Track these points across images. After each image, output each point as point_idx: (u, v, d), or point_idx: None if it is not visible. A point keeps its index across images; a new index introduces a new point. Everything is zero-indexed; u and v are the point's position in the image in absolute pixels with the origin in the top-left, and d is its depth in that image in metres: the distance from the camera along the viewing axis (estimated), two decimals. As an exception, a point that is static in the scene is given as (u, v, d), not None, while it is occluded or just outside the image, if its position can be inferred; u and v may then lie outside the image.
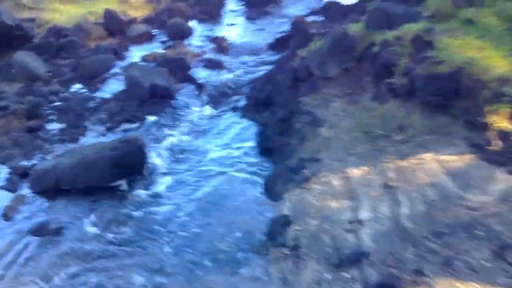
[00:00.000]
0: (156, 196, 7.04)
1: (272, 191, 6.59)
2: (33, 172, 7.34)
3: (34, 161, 7.98)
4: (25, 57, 10.88)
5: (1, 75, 10.78)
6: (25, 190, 7.28)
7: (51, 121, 9.31)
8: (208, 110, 9.63)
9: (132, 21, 14.44)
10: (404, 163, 5.99)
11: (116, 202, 6.98)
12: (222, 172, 7.44)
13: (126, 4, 15.82)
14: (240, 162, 7.61)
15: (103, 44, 13.00)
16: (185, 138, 8.60)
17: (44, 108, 9.67)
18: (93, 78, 10.96)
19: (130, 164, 7.24)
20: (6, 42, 11.76)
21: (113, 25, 13.63)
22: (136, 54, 12.59)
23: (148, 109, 9.54)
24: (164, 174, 7.52)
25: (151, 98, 9.83)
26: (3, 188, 7.32)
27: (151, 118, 9.34)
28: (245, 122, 8.86)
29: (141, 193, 7.10)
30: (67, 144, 8.55)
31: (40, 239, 6.31)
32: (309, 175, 6.54)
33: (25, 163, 7.94)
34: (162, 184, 7.28)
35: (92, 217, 6.62)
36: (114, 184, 7.23)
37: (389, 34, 7.25)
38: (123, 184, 7.23)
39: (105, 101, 9.93)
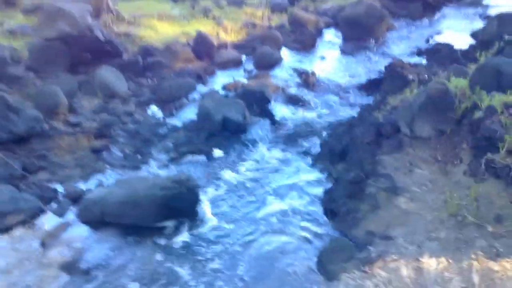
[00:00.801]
0: (200, 245, 6.49)
1: (327, 267, 5.72)
2: (83, 201, 7.18)
3: (90, 186, 7.88)
4: (107, 74, 11.11)
5: (84, 89, 11.09)
6: (71, 217, 7.13)
7: (118, 143, 9.26)
8: (278, 151, 8.99)
9: (223, 45, 14.35)
10: (494, 266, 4.85)
11: (158, 245, 6.54)
12: (277, 229, 6.71)
13: (221, 26, 15.88)
14: (299, 221, 6.83)
15: (188, 67, 12.99)
16: (247, 180, 8.01)
17: (115, 128, 9.68)
18: (170, 102, 10.87)
19: (180, 206, 6.80)
20: (96, 57, 12.17)
21: (202, 48, 13.61)
22: (219, 80, 12.40)
23: (216, 143, 9.14)
24: (214, 220, 6.96)
25: (222, 131, 9.43)
26: (52, 211, 7.24)
27: (217, 153, 8.92)
28: (314, 173, 8.07)
29: (185, 239, 6.61)
30: (128, 171, 8.38)
31: (70, 277, 6.03)
32: (375, 256, 5.60)
33: (81, 186, 7.86)
34: (209, 232, 6.72)
35: (129, 260, 6.24)
36: (161, 225, 6.82)
37: (497, 99, 6.09)
38: (169, 226, 6.80)
39: (175, 129, 9.72)
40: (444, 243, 5.47)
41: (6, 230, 6.86)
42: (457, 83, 6.95)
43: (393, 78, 9.63)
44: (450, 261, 5.19)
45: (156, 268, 6.07)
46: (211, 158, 8.79)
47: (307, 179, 7.92)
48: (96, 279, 5.98)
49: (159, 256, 6.30)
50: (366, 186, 6.70)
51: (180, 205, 6.79)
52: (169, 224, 6.83)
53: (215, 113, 9.46)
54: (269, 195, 7.51)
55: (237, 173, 8.21)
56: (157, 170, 8.39)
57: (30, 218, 7.10)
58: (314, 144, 9.02)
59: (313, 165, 8.34)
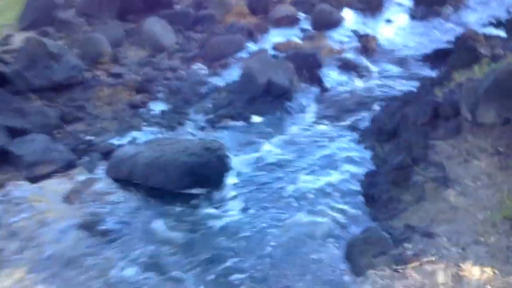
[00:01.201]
0: (222, 219, 6.17)
1: (356, 260, 5.25)
2: (112, 157, 7.05)
3: (123, 141, 7.73)
4: (156, 25, 10.81)
5: (131, 39, 10.89)
6: (100, 173, 7.04)
7: (158, 99, 9.04)
8: (323, 122, 8.42)
9: (281, 0, 13.57)
10: (551, 288, 4.19)
11: (181, 213, 6.31)
12: (309, 210, 6.26)
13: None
14: (334, 203, 6.32)
15: (241, 22, 12.42)
16: (284, 152, 7.54)
17: (157, 84, 9.44)
18: (217, 60, 10.45)
19: (207, 175, 6.50)
20: (147, 6, 11.89)
21: (258, 2, 12.93)
22: (272, 38, 11.78)
23: (257, 108, 8.68)
24: (242, 195, 6.60)
25: (265, 95, 8.93)
26: (81, 165, 7.17)
27: (256, 119, 8.49)
28: (358, 151, 7.46)
29: (209, 211, 6.33)
30: (163, 130, 8.16)
31: (92, 236, 5.95)
32: (411, 255, 5.06)
33: (114, 141, 7.73)
34: (234, 209, 6.36)
35: (148, 226, 6.07)
36: (186, 191, 6.57)
37: None
38: (195, 194, 6.54)
39: (216, 89, 9.33)
40: (493, 250, 4.82)
41: (35, 179, 6.88)
42: None
43: (463, 51, 8.63)
44: (497, 272, 4.56)
45: (173, 238, 5.85)
46: (249, 124, 8.37)
47: (350, 157, 7.33)
48: (114, 241, 5.86)
49: (179, 225, 6.07)
50: (413, 173, 6.06)
51: (207, 174, 6.50)
52: (195, 191, 6.56)
53: (260, 75, 8.95)
54: (305, 171, 7.02)
55: (275, 145, 7.74)
56: (192, 132, 8.10)
57: (61, 169, 7.09)
58: (364, 119, 8.35)
59: (359, 142, 7.72)
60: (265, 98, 8.91)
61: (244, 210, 6.35)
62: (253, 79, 8.89)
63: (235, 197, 6.50)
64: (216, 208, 6.36)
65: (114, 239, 5.91)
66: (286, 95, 9.04)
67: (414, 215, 5.69)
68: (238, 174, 6.96)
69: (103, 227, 6.07)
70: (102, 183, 6.88)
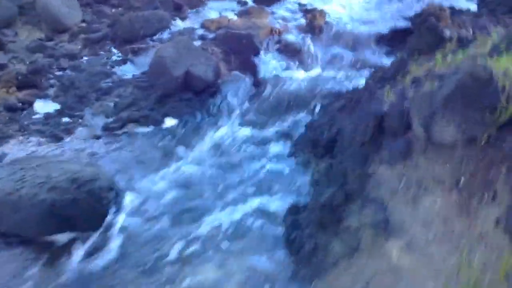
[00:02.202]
0: (95, 274, 4.68)
1: None
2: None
3: (-13, 161, 6.07)
4: (56, -1, 8.93)
5: (25, 17, 9.00)
6: None
7: (45, 97, 7.32)
8: (252, 127, 6.91)
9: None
10: None
11: (39, 269, 4.77)
12: (210, 257, 4.81)
13: None
14: (245, 256, 4.87)
15: (170, -8, 10.59)
16: (198, 171, 6.04)
17: (48, 76, 7.69)
18: (130, 43, 8.71)
19: (75, 216, 4.93)
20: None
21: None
22: (207, 13, 10.04)
23: (171, 108, 7.10)
24: (129, 237, 5.08)
25: (181, 92, 7.33)
26: None
27: (170, 123, 6.96)
28: (289, 168, 6.01)
29: (79, 265, 4.80)
30: (47, 141, 6.51)
31: None
32: None
33: (-25, 159, 6.06)
34: (116, 256, 4.87)
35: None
36: (49, 239, 5.01)
37: None
38: (61, 241, 4.99)
39: (122, 82, 7.66)
40: None
41: None
42: (503, 64, 4.52)
43: (424, 33, 7.11)
44: None
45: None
46: (158, 130, 6.82)
47: (278, 178, 5.88)
48: None
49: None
50: (345, 214, 4.62)
51: (76, 215, 4.92)
52: (61, 238, 5.00)
53: (175, 65, 7.30)
54: (219, 204, 5.52)
55: (187, 161, 6.23)
56: (81, 144, 6.47)
57: None
58: (301, 121, 6.87)
59: (292, 155, 6.25)
60: (182, 95, 7.32)
61: (128, 261, 4.85)
62: (167, 71, 7.24)
63: (111, 246, 4.96)
64: (84, 261, 4.82)
65: None
66: (210, 91, 7.46)
67: (345, 274, 4.30)
68: (129, 209, 5.41)
69: None
70: None
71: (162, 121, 6.89)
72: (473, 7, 9.22)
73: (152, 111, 6.97)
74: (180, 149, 6.49)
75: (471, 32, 7.25)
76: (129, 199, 5.44)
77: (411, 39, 7.43)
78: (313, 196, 5.18)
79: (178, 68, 7.26)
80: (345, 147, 5.19)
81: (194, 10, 10.14)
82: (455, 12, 8.60)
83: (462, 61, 5.08)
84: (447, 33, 7.07)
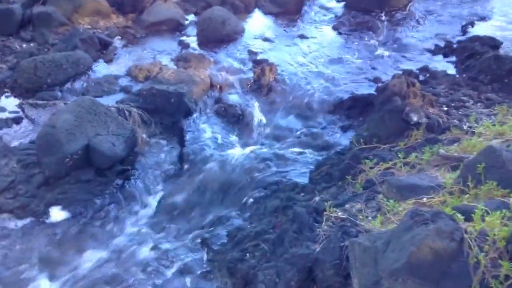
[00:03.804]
0: None
1: None
2: None
3: None
4: None
5: None
6: None
7: None
8: (165, 228, 5.54)
9: (164, -5, 10.36)
10: None
11: None
12: None
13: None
14: None
15: (100, 24, 9.19)
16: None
17: None
18: (32, 93, 7.22)
19: None
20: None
21: (127, -5, 9.70)
22: (135, 55, 8.63)
23: (59, 195, 5.63)
24: None
25: (79, 170, 5.88)
26: None
27: (57, 216, 5.55)
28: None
29: None
30: None
31: None
32: None
33: None
34: None
35: None
36: None
37: None
38: None
39: (6, 151, 6.12)
40: None
41: None
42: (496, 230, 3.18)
43: (386, 116, 5.93)
44: None
45: None
46: (44, 225, 5.34)
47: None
48: None
49: None
50: None
51: None
52: None
53: (71, 138, 5.83)
54: None
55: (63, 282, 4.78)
56: None
57: None
58: (225, 223, 5.50)
59: (207, 278, 4.87)
60: (80, 176, 5.87)
61: None
62: (58, 146, 5.75)
63: None
64: None
65: None
66: (118, 169, 6.03)
67: None
68: None
69: None
70: None
71: (45, 213, 5.43)
72: (451, 68, 8.07)
73: (33, 199, 5.50)
74: (63, 259, 5.03)
75: (444, 118, 6.10)
76: None
77: (371, 121, 6.25)
78: None
79: (75, 141, 5.81)
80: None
81: (125, 49, 8.71)
82: (428, 80, 7.46)
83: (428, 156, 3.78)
84: (414, 118, 5.91)
